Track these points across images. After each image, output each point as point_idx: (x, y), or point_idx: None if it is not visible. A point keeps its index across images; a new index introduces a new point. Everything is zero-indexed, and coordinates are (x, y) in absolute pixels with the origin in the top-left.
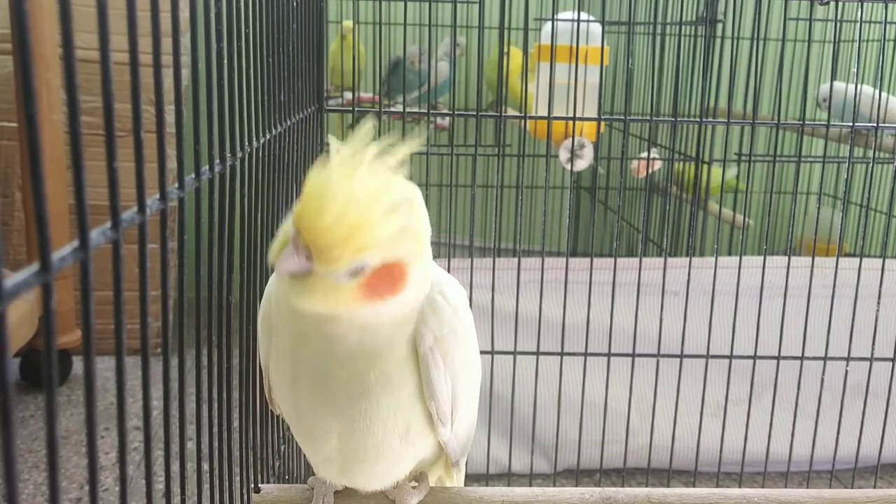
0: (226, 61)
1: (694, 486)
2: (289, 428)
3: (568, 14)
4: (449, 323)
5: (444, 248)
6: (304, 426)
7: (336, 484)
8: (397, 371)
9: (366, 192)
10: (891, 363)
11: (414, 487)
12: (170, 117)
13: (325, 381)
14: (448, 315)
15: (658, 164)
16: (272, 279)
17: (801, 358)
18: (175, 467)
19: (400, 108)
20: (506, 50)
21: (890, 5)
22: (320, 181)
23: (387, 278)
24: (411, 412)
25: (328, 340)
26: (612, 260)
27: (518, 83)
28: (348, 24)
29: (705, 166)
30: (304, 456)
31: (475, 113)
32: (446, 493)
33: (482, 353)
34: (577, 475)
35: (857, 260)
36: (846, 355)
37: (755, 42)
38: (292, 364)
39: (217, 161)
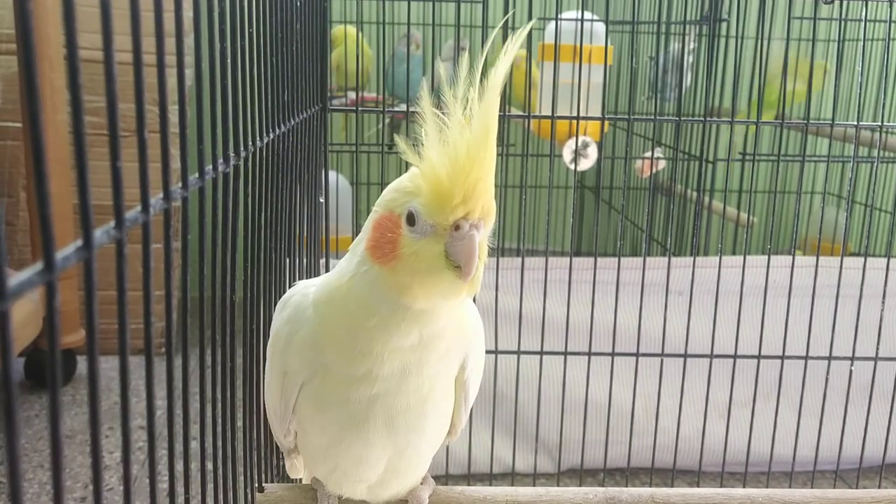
0: (229, 61)
1: (698, 486)
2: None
3: (572, 14)
4: (482, 347)
5: None
6: (348, 461)
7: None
8: (447, 390)
9: (490, 150)
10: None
11: (421, 484)
12: (173, 117)
13: (391, 413)
14: (483, 339)
15: (662, 164)
16: (285, 326)
17: (806, 357)
18: (179, 467)
19: (402, 107)
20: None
21: (895, 4)
22: (469, 143)
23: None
24: (446, 425)
25: (419, 355)
26: (616, 260)
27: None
28: (338, 31)
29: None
30: None
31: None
32: (451, 494)
33: (487, 352)
34: (581, 475)
35: (862, 259)
36: (851, 355)
37: (759, 41)
38: (345, 403)
39: (220, 160)
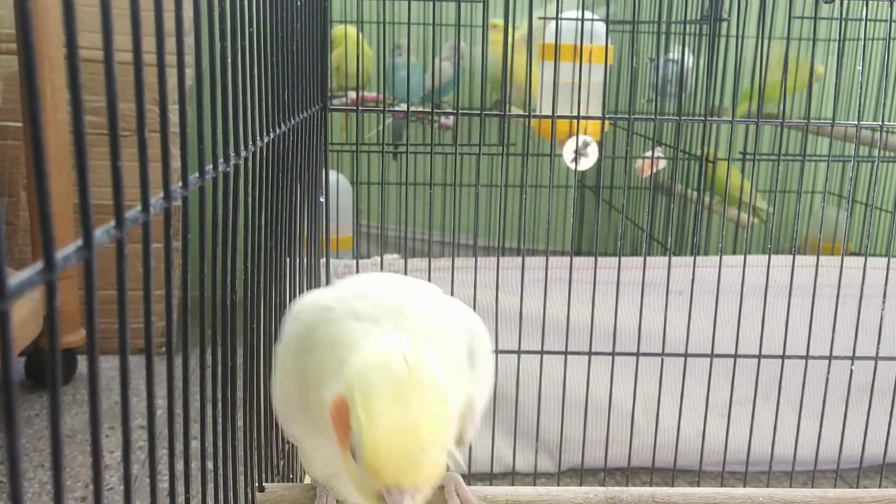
0: (229, 60)
1: (698, 485)
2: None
3: (572, 13)
4: (491, 374)
5: (448, 248)
6: (342, 480)
7: None
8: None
9: (432, 429)
10: None
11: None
12: (174, 116)
13: None
14: (491, 371)
15: (663, 164)
16: (301, 356)
17: (806, 357)
18: (179, 466)
19: (403, 107)
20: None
21: (895, 3)
22: (392, 424)
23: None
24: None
25: None
26: (617, 259)
27: (524, 79)
28: (338, 31)
29: (721, 164)
30: None
31: (479, 112)
32: None
33: None
34: (582, 474)
35: (862, 259)
36: (851, 354)
37: (760, 41)
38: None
39: (221, 160)
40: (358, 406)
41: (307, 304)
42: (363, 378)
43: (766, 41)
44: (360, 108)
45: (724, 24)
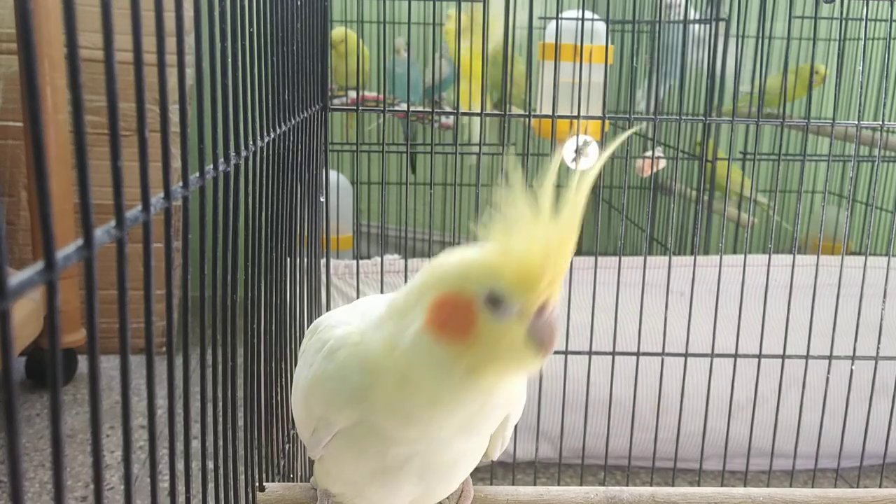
0: (230, 60)
1: (699, 485)
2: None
3: (573, 13)
4: (523, 402)
5: (448, 248)
6: (373, 499)
7: None
8: (483, 443)
9: (570, 228)
10: None
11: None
12: (174, 116)
13: (424, 468)
14: (524, 397)
15: (663, 163)
16: (328, 382)
17: (807, 357)
18: (180, 466)
19: (403, 106)
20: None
21: (895, 3)
22: (550, 233)
23: None
24: (478, 460)
25: (471, 421)
26: (617, 259)
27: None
28: (340, 33)
29: (720, 164)
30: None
31: (479, 112)
32: None
33: None
34: (582, 473)
35: (863, 258)
36: (851, 354)
37: (760, 40)
38: (383, 456)
39: (221, 160)
40: (494, 235)
41: (331, 340)
42: (493, 223)
43: (766, 41)
44: (360, 108)
45: (725, 24)
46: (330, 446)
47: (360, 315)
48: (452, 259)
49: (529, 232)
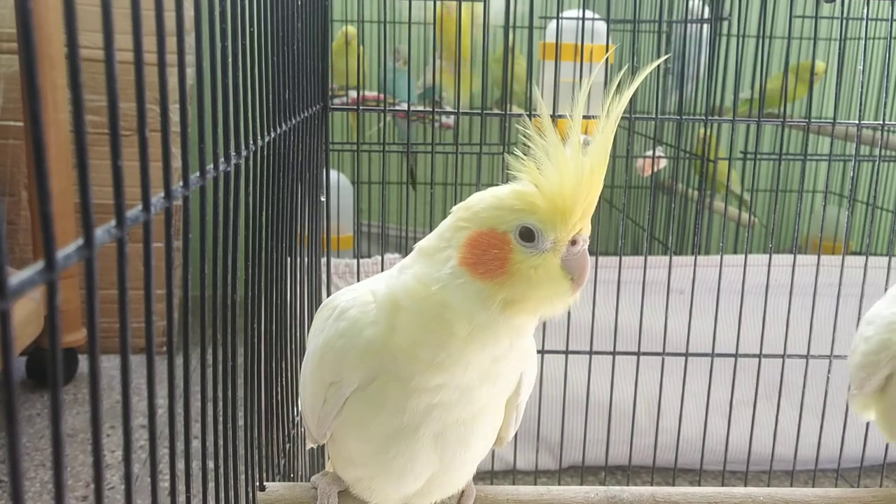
0: (230, 60)
1: (699, 484)
2: (295, 431)
3: (573, 12)
4: (536, 369)
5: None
6: (391, 472)
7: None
8: (499, 407)
9: (603, 157)
10: None
11: (463, 491)
12: (174, 116)
13: (443, 425)
14: (536, 363)
15: (663, 163)
16: (340, 339)
17: (807, 356)
18: (180, 465)
19: (404, 106)
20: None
21: None
22: (582, 166)
23: None
24: (491, 441)
25: (496, 366)
26: (618, 258)
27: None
28: (353, 30)
29: (721, 163)
30: (308, 454)
31: (480, 111)
32: None
33: None
34: (582, 473)
35: (863, 258)
36: None
37: (761, 40)
38: (401, 413)
39: (221, 159)
40: (526, 170)
41: (341, 303)
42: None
43: (767, 40)
44: (360, 108)
45: (725, 24)
46: (342, 416)
47: (365, 285)
48: (483, 197)
49: (560, 166)
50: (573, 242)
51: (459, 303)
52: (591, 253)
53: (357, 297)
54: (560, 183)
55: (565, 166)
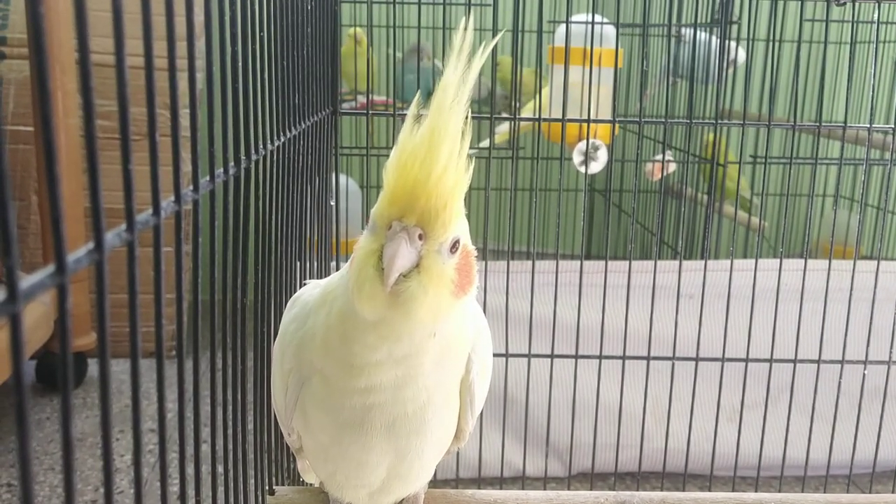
0: (240, 64)
1: (710, 490)
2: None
3: (582, 16)
4: (488, 350)
5: None
6: (349, 463)
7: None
8: (450, 396)
9: (454, 149)
10: None
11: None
12: (184, 120)
13: (390, 420)
14: (488, 342)
15: (673, 167)
16: (291, 324)
17: (818, 361)
18: (190, 469)
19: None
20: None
21: None
22: (414, 142)
23: (465, 265)
24: (451, 430)
25: (405, 369)
26: (627, 263)
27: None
28: (361, 32)
29: (730, 167)
30: None
31: (489, 115)
32: (461, 497)
33: (496, 355)
34: (592, 479)
35: (875, 263)
36: (864, 359)
37: (771, 43)
38: (341, 409)
39: (231, 164)
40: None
41: (301, 291)
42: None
43: (777, 44)
44: (370, 112)
45: (736, 27)
46: (301, 408)
47: (327, 279)
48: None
49: (397, 149)
50: (396, 228)
51: (341, 298)
52: (599, 258)
53: (310, 287)
54: (388, 164)
55: (399, 148)
